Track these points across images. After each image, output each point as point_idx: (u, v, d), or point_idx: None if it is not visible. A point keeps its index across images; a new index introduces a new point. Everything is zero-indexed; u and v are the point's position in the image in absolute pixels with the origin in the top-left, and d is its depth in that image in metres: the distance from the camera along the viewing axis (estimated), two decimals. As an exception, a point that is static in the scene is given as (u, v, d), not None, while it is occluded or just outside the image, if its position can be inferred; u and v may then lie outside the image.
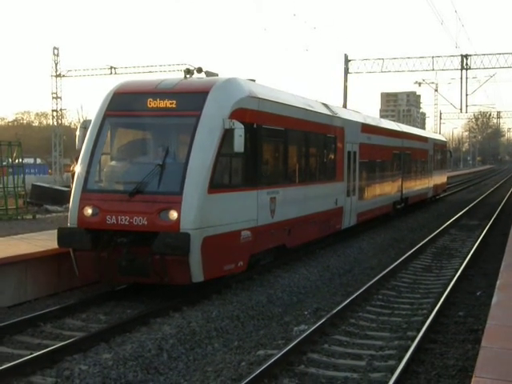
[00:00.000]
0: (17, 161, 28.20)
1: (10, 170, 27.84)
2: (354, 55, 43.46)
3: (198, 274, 10.97)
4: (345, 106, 39.90)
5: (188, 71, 12.84)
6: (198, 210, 10.92)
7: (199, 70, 13.13)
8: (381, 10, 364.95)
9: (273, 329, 10.43)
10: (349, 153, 19.61)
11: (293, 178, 15.30)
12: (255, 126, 12.69)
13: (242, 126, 11.53)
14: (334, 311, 10.83)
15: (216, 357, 9.01)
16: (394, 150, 26.14)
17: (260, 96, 13.01)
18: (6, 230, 20.10)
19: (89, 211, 11.37)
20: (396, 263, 15.79)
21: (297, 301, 12.52)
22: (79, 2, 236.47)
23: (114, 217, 11.09)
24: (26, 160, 39.33)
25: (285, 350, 8.58)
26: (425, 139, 33.62)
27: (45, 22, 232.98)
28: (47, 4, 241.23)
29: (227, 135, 11.46)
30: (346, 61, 42.81)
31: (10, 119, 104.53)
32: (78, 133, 12.78)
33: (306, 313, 11.37)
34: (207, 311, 10.92)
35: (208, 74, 13.35)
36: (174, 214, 10.83)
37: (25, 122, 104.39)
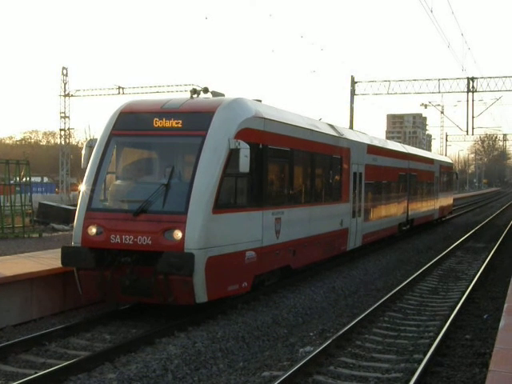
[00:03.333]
0: (24, 179, 28.37)
1: (18, 188, 28.00)
2: (360, 77, 43.65)
3: (201, 295, 10.90)
4: (351, 127, 39.99)
5: (194, 91, 12.83)
6: (202, 230, 10.86)
7: (205, 90, 13.12)
8: (388, 32, 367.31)
9: (278, 350, 10.38)
10: (354, 174, 19.55)
11: (298, 198, 15.24)
12: (261, 146, 12.67)
13: (248, 146, 11.50)
14: (340, 333, 10.76)
15: (221, 378, 8.95)
16: (399, 172, 26.12)
17: (266, 116, 13.00)
18: (12, 248, 20.17)
19: (93, 230, 11.35)
20: (402, 285, 15.72)
21: (302, 322, 12.46)
22: (88, 23, 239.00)
23: (118, 236, 11.06)
24: (33, 179, 39.49)
25: (290, 372, 8.53)
26: (431, 161, 33.64)
27: (53, 42, 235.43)
28: (55, 24, 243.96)
29: (233, 155, 11.44)
30: (353, 82, 43.04)
31: (18, 138, 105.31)
32: (83, 152, 12.73)
33: (311, 334, 11.31)
34: (212, 331, 10.88)
35: (214, 94, 13.33)
36: (178, 234, 10.79)
37: (32, 140, 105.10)
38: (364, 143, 21.14)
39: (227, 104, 12.12)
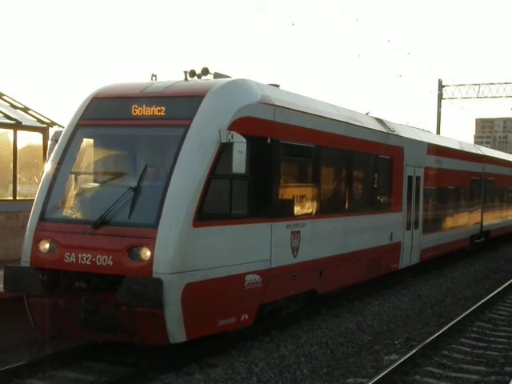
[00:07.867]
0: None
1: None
2: (448, 81, 42.30)
3: (177, 333, 8.50)
4: (438, 131, 39.16)
5: (193, 73, 10.30)
6: (177, 248, 8.45)
7: (205, 72, 10.46)
8: (478, 34, 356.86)
9: (362, 357, 10.31)
10: (410, 178, 16.74)
11: (327, 207, 12.36)
12: (269, 140, 10.21)
13: (244, 140, 9.08)
14: (426, 342, 10.57)
15: (305, 383, 8.99)
16: (472, 176, 23.04)
17: (277, 103, 10.55)
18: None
19: (45, 246, 9.19)
20: (492, 295, 15.25)
21: (387, 329, 12.31)
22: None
23: (73, 254, 8.83)
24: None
25: (375, 379, 8.46)
26: None
27: (140, 51, 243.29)
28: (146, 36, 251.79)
29: (225, 151, 9.06)
30: (440, 86, 42.06)
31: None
32: (48, 147, 10.47)
33: (396, 342, 11.17)
34: (296, 336, 10.92)
35: (217, 76, 10.64)
36: (146, 253, 8.48)
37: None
38: (423, 142, 18.20)
39: (221, 86, 9.72)
